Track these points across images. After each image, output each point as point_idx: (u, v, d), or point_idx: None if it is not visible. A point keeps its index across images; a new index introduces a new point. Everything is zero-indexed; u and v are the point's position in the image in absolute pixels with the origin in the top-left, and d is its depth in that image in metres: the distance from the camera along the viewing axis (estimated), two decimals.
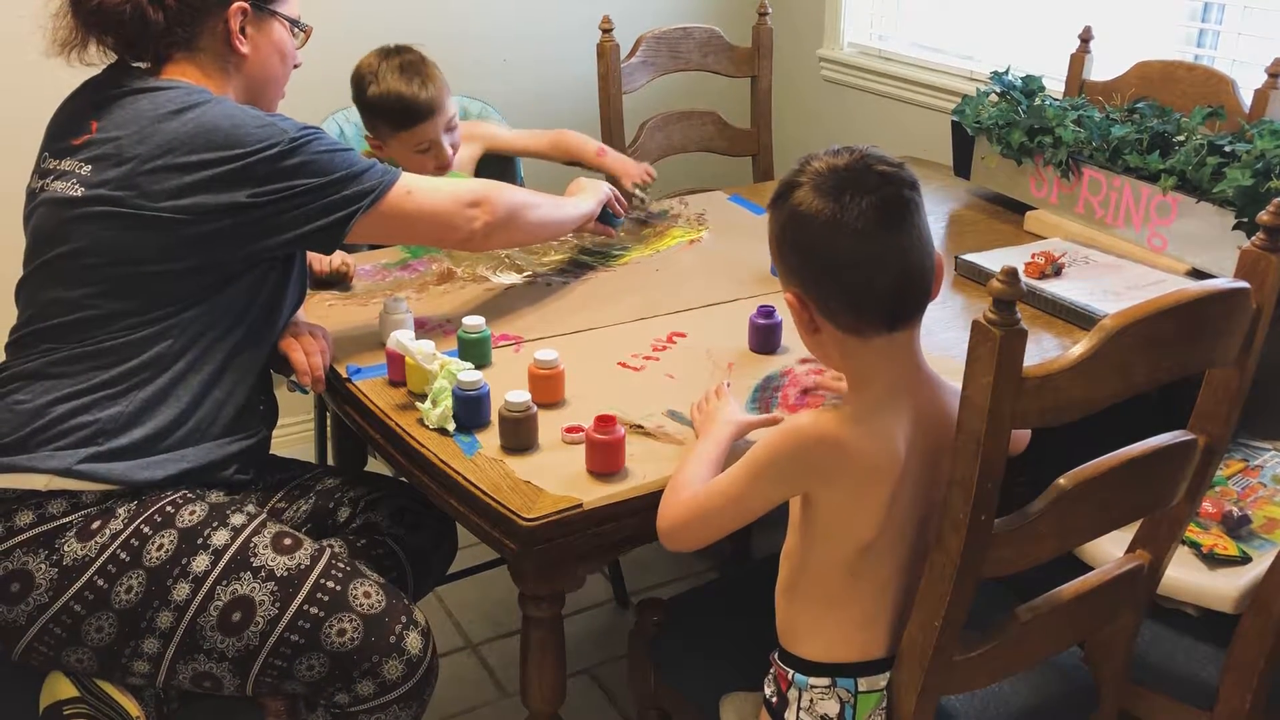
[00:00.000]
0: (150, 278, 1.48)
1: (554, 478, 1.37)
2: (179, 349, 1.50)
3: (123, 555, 1.42)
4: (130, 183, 1.45)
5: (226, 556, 1.45)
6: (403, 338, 1.52)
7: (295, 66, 1.70)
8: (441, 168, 2.10)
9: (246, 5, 1.57)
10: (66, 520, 1.42)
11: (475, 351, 1.61)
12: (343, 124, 2.28)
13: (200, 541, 1.45)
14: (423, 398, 1.50)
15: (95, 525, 1.43)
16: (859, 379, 1.24)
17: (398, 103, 2.02)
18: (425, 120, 2.04)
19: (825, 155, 1.21)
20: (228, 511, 1.50)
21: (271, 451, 1.73)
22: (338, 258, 1.93)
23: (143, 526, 1.44)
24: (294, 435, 2.96)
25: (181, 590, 1.43)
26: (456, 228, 1.67)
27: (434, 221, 1.65)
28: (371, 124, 2.08)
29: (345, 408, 1.64)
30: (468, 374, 1.47)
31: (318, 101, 2.46)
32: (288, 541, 1.49)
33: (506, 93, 2.83)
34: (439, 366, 1.48)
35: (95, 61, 1.58)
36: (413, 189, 1.61)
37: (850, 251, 1.17)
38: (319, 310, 1.81)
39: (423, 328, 1.74)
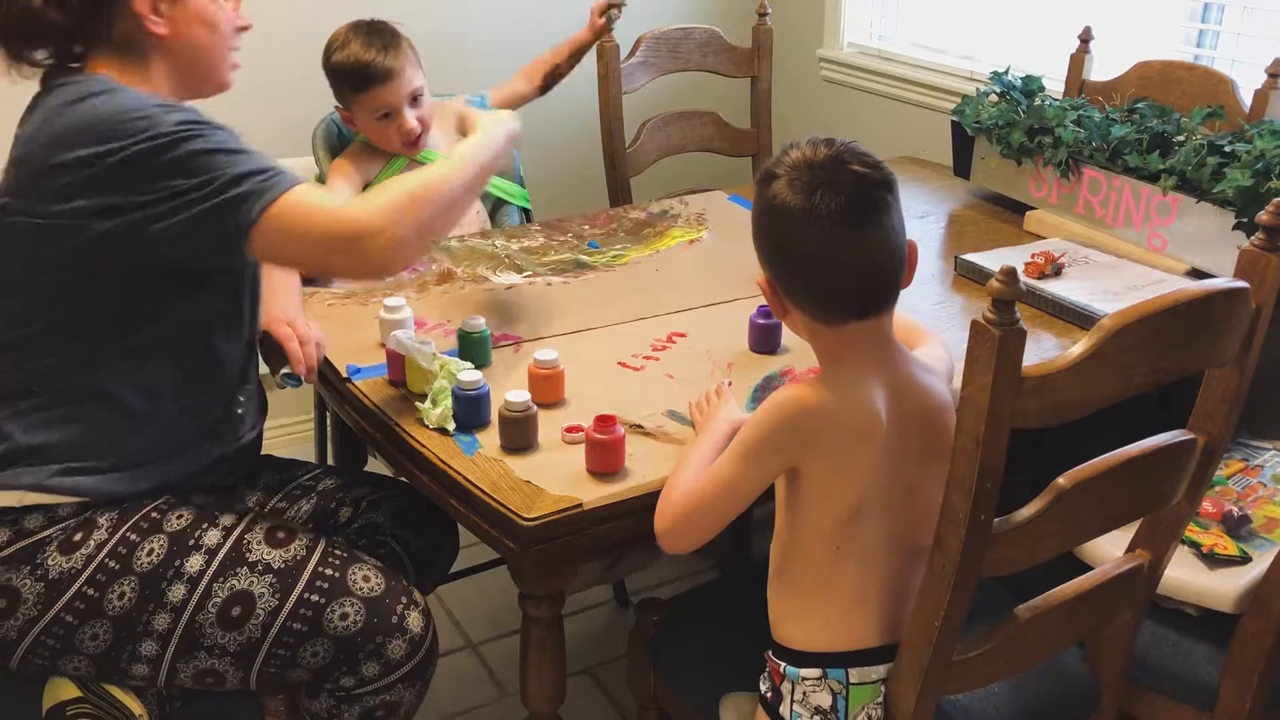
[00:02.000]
0: (68, 293, 1.39)
1: (554, 478, 1.37)
2: (130, 369, 1.43)
3: (111, 563, 1.41)
4: (27, 187, 1.38)
5: (221, 554, 1.44)
6: (403, 338, 1.52)
7: (243, 29, 1.56)
8: (408, 141, 2.10)
9: None
10: (45, 534, 1.41)
11: (475, 351, 1.61)
12: (342, 124, 2.28)
13: (192, 543, 1.44)
14: (423, 398, 1.50)
15: (77, 537, 1.41)
16: (830, 356, 1.27)
17: (355, 64, 2.04)
18: (382, 84, 2.05)
19: (805, 145, 1.22)
20: (216, 512, 1.49)
21: (271, 452, 1.73)
22: None
23: (129, 534, 1.42)
24: (294, 435, 2.96)
25: (178, 591, 1.42)
26: (338, 261, 1.44)
27: (318, 246, 1.39)
28: (336, 89, 2.10)
29: (345, 408, 1.64)
30: (468, 374, 1.47)
31: (318, 100, 2.47)
32: (281, 535, 1.48)
33: None
34: (439, 366, 1.48)
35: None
36: (304, 204, 1.38)
37: (818, 248, 1.19)
38: (319, 310, 1.81)
39: (423, 328, 1.74)
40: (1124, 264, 1.98)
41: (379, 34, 2.08)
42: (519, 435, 1.43)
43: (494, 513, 1.34)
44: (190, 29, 1.48)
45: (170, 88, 1.50)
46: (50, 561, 1.40)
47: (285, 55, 2.72)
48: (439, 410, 1.46)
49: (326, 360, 1.67)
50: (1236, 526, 1.62)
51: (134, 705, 1.47)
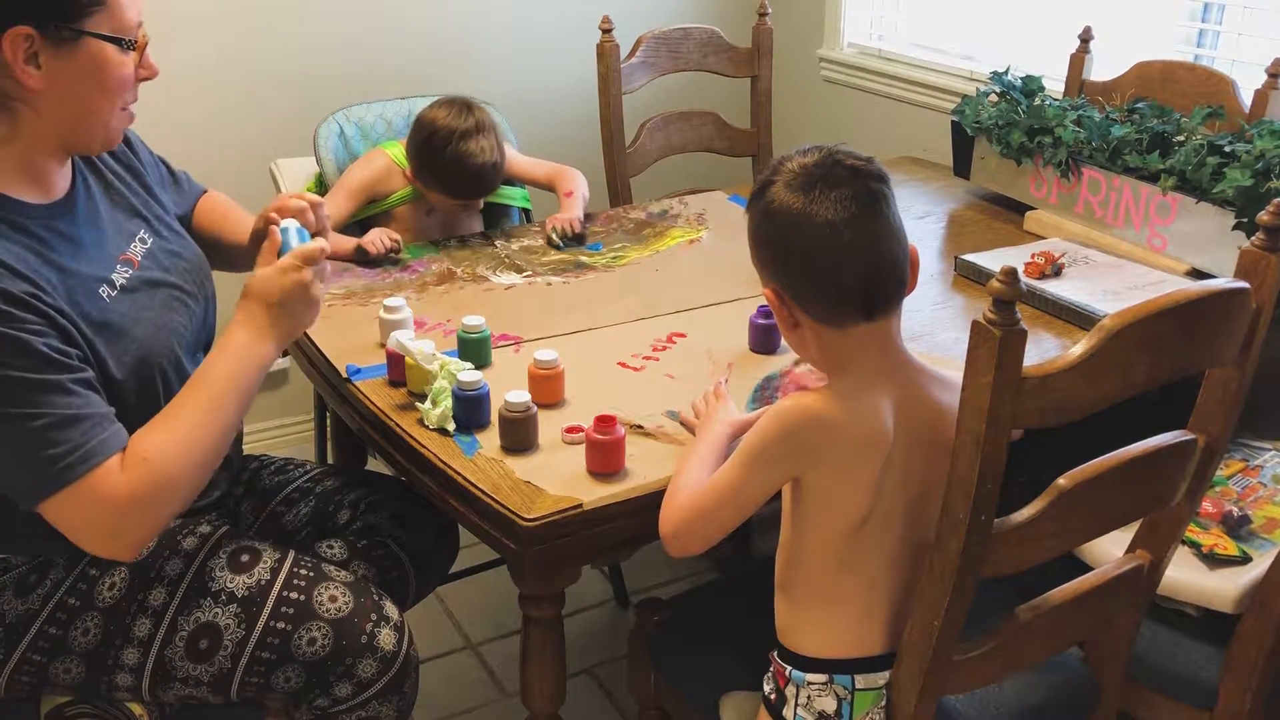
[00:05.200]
0: None
1: (554, 478, 1.37)
2: None
3: (71, 601, 1.40)
4: None
5: (183, 586, 1.43)
6: (403, 338, 1.52)
7: (145, 79, 1.38)
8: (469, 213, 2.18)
9: (31, 30, 1.24)
10: (1, 581, 1.40)
11: (475, 351, 1.61)
12: (343, 124, 2.28)
13: (153, 574, 1.43)
14: (423, 398, 1.50)
15: (33, 579, 1.40)
16: (838, 365, 1.26)
17: (472, 179, 2.05)
18: (485, 195, 2.10)
19: (796, 155, 1.25)
20: (179, 537, 1.47)
21: (270, 452, 1.73)
22: (385, 238, 1.98)
23: (88, 569, 1.41)
24: (294, 435, 2.96)
25: (143, 626, 1.41)
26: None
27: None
28: (429, 178, 2.08)
29: (345, 408, 1.64)
30: (468, 374, 1.47)
31: (319, 101, 2.47)
32: (245, 558, 1.46)
33: (506, 93, 2.83)
34: (439, 366, 1.48)
35: None
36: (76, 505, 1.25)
37: (821, 243, 1.20)
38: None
39: (423, 328, 1.74)
40: (1124, 264, 1.98)
41: (485, 132, 2.05)
42: (519, 435, 1.43)
43: (494, 513, 1.34)
44: (74, 85, 1.29)
45: (41, 143, 1.33)
46: (6, 606, 1.39)
47: (286, 53, 2.72)
48: (439, 410, 1.46)
49: (326, 360, 1.67)
50: (1236, 526, 1.62)
51: (134, 705, 1.47)
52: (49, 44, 1.26)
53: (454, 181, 2.06)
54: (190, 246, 1.57)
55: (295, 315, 1.38)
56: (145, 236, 1.48)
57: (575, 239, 2.11)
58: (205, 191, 1.73)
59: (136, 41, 1.33)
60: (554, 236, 2.09)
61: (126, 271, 1.41)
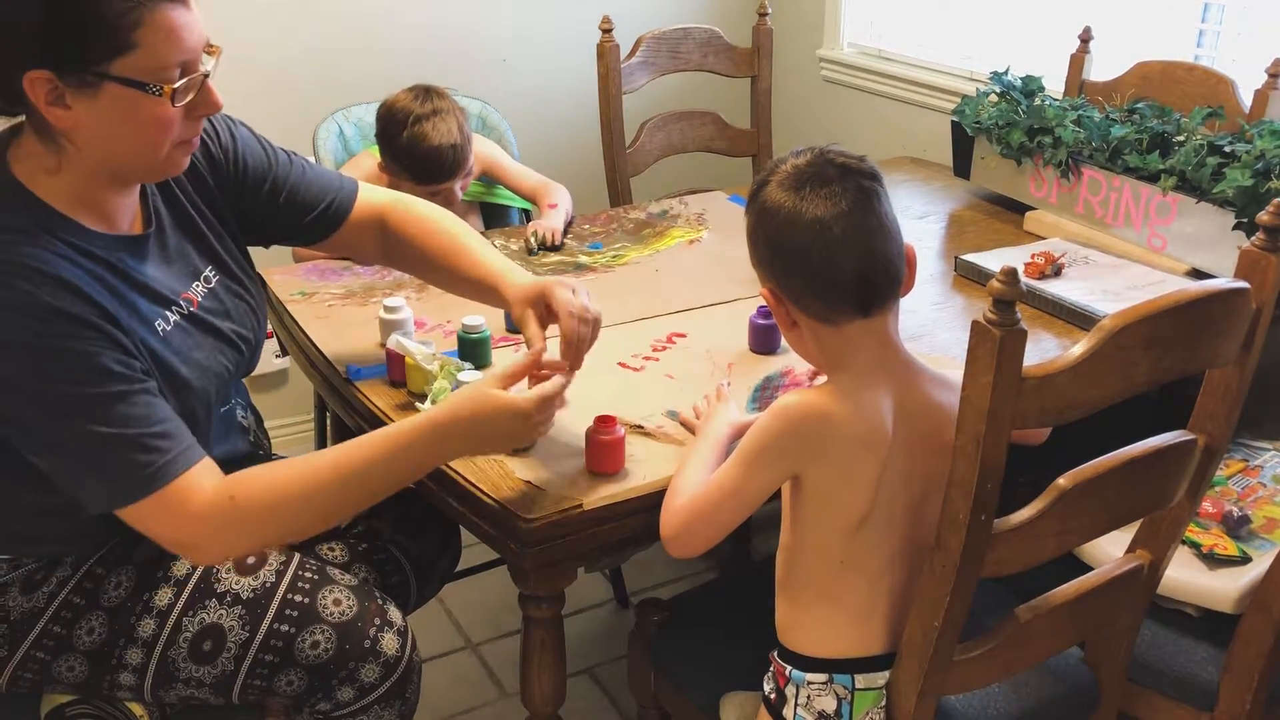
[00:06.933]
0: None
1: (554, 478, 1.37)
2: None
3: (76, 599, 1.40)
4: None
5: (189, 586, 1.42)
6: (403, 338, 1.52)
7: (204, 115, 1.34)
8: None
9: (49, 74, 1.20)
10: (8, 578, 1.40)
11: (475, 351, 1.61)
12: (342, 124, 2.28)
13: (160, 574, 1.43)
14: (423, 398, 1.50)
15: (39, 577, 1.40)
16: (836, 363, 1.26)
17: (426, 160, 2.04)
18: (447, 180, 2.07)
19: (790, 156, 1.26)
20: None
21: (274, 452, 1.73)
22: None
23: (95, 568, 1.41)
24: (294, 435, 2.96)
25: (147, 626, 1.41)
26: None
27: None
28: (392, 164, 2.09)
29: (345, 408, 1.64)
30: (468, 374, 1.47)
31: (318, 102, 2.47)
32: (250, 560, 1.46)
33: (506, 93, 2.84)
34: (439, 366, 1.48)
35: None
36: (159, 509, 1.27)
37: (813, 240, 1.20)
38: (318, 310, 1.81)
39: (423, 328, 1.74)
40: (1124, 264, 1.98)
41: (445, 120, 2.04)
42: None
43: (494, 513, 1.34)
44: (105, 126, 1.24)
45: (90, 175, 1.30)
46: (12, 603, 1.39)
47: (285, 53, 2.72)
48: None
49: (326, 360, 1.67)
50: (1236, 526, 1.62)
51: (134, 706, 1.47)
52: (70, 87, 1.21)
53: (412, 165, 2.05)
54: (255, 287, 1.55)
55: (488, 444, 1.36)
56: (210, 275, 1.46)
57: (550, 248, 2.08)
58: (368, 200, 1.64)
59: (165, 87, 1.24)
60: (532, 241, 2.07)
61: (184, 309, 1.40)
